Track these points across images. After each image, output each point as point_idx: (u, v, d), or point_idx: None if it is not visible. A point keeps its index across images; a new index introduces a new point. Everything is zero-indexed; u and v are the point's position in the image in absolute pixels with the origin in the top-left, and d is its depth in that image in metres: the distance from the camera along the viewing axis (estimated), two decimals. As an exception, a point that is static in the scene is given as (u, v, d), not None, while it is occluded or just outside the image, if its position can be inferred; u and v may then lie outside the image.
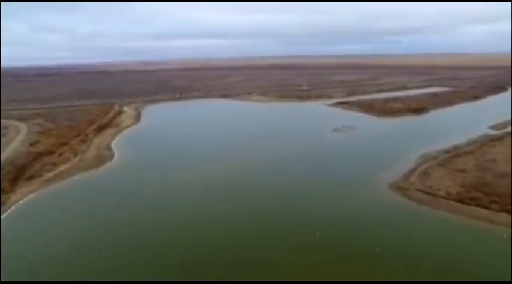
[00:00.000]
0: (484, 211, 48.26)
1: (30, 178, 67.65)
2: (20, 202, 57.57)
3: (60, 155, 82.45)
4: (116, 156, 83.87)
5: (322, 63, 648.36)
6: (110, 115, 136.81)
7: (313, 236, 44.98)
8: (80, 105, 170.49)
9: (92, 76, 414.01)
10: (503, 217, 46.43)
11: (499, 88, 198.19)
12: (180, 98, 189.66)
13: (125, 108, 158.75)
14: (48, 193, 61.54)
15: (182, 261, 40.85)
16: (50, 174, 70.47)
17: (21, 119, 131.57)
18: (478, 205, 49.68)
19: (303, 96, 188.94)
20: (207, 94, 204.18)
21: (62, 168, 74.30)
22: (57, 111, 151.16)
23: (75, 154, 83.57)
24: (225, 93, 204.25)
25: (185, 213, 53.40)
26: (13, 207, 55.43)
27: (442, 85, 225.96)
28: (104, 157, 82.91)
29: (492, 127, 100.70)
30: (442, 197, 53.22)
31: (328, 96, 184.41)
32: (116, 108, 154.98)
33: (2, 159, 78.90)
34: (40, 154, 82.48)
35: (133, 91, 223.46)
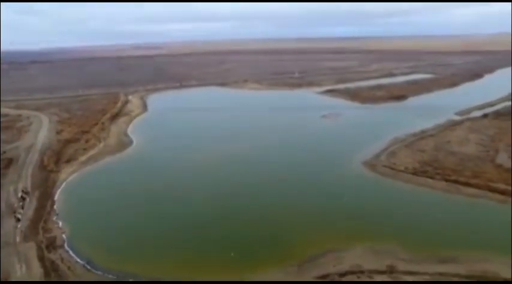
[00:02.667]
0: (430, 180, 63.92)
1: (68, 161, 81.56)
2: (68, 179, 71.63)
3: (86, 141, 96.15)
4: (134, 141, 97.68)
5: (312, 47, 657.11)
6: (119, 104, 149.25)
7: (301, 199, 60.41)
8: (86, 94, 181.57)
9: (87, 63, 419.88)
10: (442, 184, 62.25)
11: (476, 76, 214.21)
12: (180, 87, 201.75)
13: (130, 97, 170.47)
14: (89, 172, 75.75)
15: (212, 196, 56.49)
16: (83, 158, 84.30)
17: (37, 109, 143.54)
18: (426, 176, 65.29)
19: (295, 83, 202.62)
20: (205, 83, 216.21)
21: (91, 152, 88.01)
22: (67, 101, 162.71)
23: (99, 141, 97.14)
24: (222, 81, 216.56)
25: (207, 181, 68.29)
26: (64, 184, 69.54)
27: (426, 72, 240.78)
28: (124, 142, 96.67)
29: (457, 113, 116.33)
30: (401, 171, 68.72)
31: (319, 84, 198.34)
32: (122, 97, 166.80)
33: (39, 145, 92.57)
34: (69, 141, 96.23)
35: (134, 79, 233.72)
